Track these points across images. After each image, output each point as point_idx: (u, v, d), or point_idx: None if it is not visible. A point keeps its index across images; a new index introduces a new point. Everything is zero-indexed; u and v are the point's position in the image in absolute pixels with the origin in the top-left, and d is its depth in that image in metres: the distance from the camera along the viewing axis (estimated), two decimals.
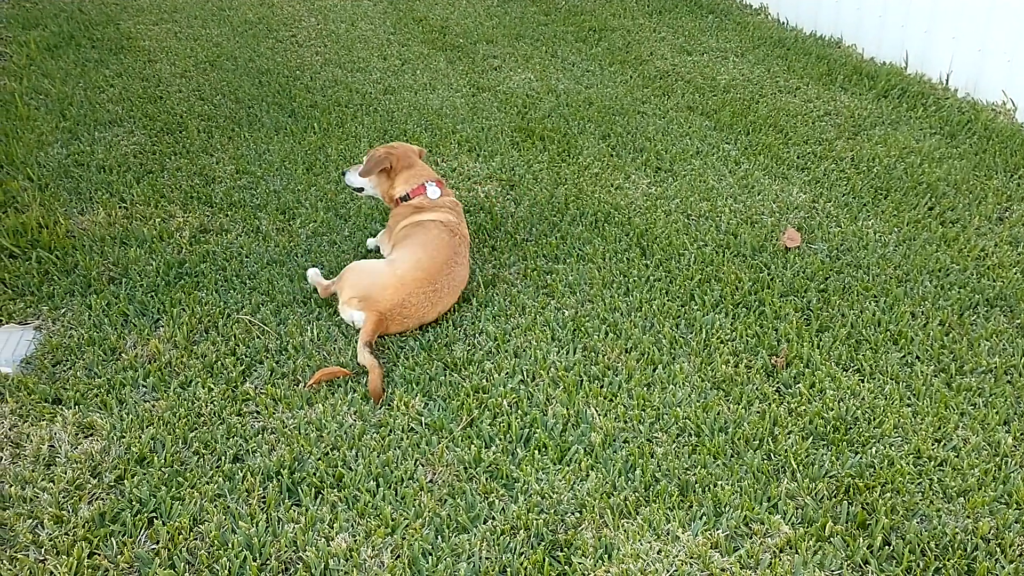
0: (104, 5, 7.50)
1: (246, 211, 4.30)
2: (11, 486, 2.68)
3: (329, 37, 6.81)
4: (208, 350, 3.32)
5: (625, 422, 2.95)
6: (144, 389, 3.11)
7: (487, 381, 3.14)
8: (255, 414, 3.00)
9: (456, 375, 3.18)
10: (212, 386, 3.11)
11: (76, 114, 5.29)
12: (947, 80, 5.73)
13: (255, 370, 3.23)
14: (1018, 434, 2.89)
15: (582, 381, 3.14)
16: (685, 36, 6.77)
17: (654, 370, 3.20)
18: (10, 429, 2.92)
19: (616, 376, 3.17)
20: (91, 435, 2.91)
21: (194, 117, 5.32)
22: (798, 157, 4.78)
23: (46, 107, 5.37)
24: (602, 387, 3.11)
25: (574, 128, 5.19)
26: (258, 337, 3.40)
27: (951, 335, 3.37)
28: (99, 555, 2.46)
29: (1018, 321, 3.45)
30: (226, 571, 2.40)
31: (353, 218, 4.23)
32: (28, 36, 6.58)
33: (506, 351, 3.30)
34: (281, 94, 5.67)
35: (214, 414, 2.99)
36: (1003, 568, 2.39)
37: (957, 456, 2.79)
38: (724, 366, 3.20)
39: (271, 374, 3.20)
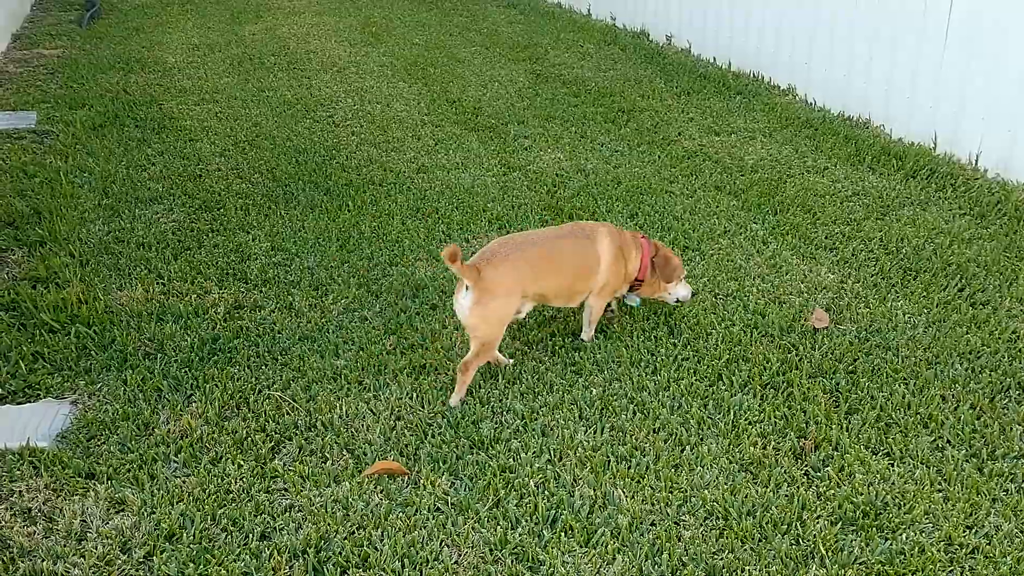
0: (148, 86, 7.76)
1: (280, 287, 4.38)
2: (43, 560, 2.71)
3: (365, 117, 6.99)
4: (239, 426, 3.36)
5: (652, 504, 2.94)
6: (175, 465, 3.15)
7: (514, 460, 3.15)
8: (283, 491, 3.03)
9: (483, 454, 3.19)
10: (242, 462, 3.14)
11: (118, 192, 5.45)
12: (976, 160, 5.75)
13: (284, 447, 3.26)
14: None
15: (609, 461, 3.14)
16: (713, 117, 6.87)
17: (682, 451, 3.19)
18: (44, 503, 2.96)
19: (644, 457, 3.16)
20: (122, 510, 2.95)
21: (232, 195, 5.46)
22: (826, 237, 4.80)
23: (89, 185, 5.54)
24: (629, 468, 3.11)
25: (602, 207, 5.26)
26: (288, 413, 3.44)
27: (982, 419, 3.33)
28: None
29: None
30: None
31: (384, 294, 4.29)
32: (74, 116, 6.81)
33: (533, 429, 3.31)
34: (317, 172, 5.81)
35: (243, 491, 3.01)
36: None
37: (989, 543, 2.74)
38: (752, 448, 3.19)
39: (300, 451, 3.23)
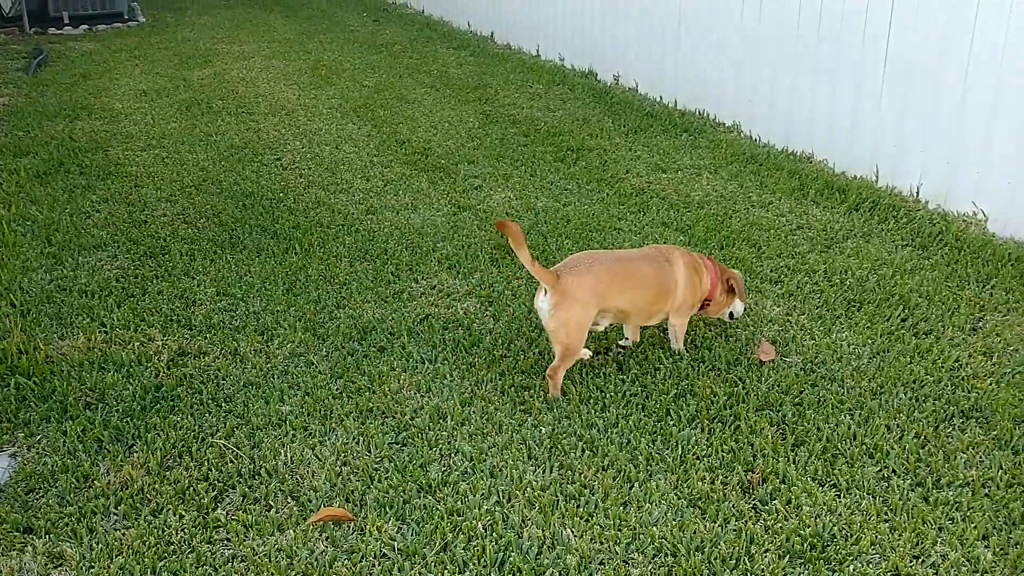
0: (94, 132, 7.68)
1: (225, 333, 4.32)
2: None
3: (313, 160, 6.97)
4: (181, 475, 3.30)
5: (601, 543, 2.92)
6: (115, 517, 3.08)
7: (462, 503, 3.12)
8: (225, 541, 2.96)
9: (431, 497, 3.15)
10: (183, 513, 3.07)
11: (61, 239, 5.36)
12: (917, 192, 5.87)
13: (227, 495, 3.20)
14: (997, 549, 2.87)
15: (558, 501, 3.11)
16: (660, 154, 6.95)
17: (631, 488, 3.18)
18: None
19: (592, 495, 3.14)
20: (60, 565, 2.87)
21: (177, 240, 5.40)
22: (771, 271, 4.85)
23: (32, 233, 5.45)
24: (578, 507, 3.09)
25: (552, 244, 5.27)
26: (231, 461, 3.38)
27: (927, 448, 3.37)
28: None
29: (994, 432, 3.45)
30: None
31: (331, 338, 4.26)
32: (19, 164, 6.72)
33: (482, 471, 3.29)
34: (264, 216, 5.77)
35: (184, 542, 2.94)
36: None
37: (936, 573, 2.76)
38: (700, 483, 3.19)
39: (243, 499, 3.17)
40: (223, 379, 3.94)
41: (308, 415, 3.66)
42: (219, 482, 3.27)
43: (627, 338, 4.18)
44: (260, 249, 5.27)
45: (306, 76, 9.92)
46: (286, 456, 3.39)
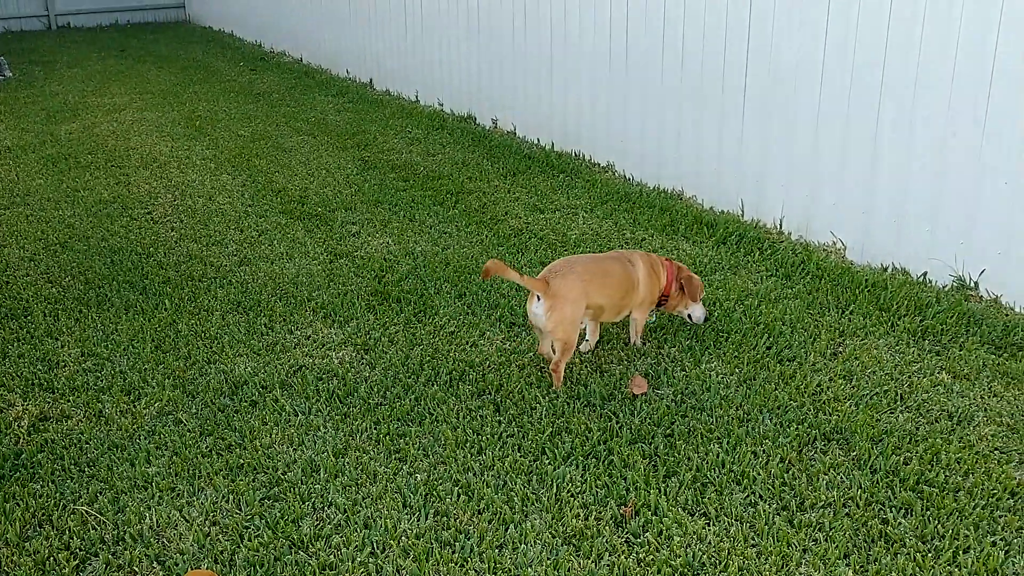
0: None
1: (89, 395, 4.17)
2: None
3: (185, 212, 6.82)
4: (41, 545, 3.16)
5: None
6: None
7: (335, 557, 3.06)
8: None
9: (303, 553, 3.09)
10: None
11: None
12: (781, 225, 6.11)
13: (90, 563, 3.09)
14: (858, 567, 2.97)
15: (433, 548, 3.09)
16: (538, 195, 7.06)
17: (506, 530, 3.18)
18: None
19: (468, 539, 3.13)
20: None
21: (40, 300, 5.19)
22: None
23: None
24: (453, 552, 3.07)
25: (431, 289, 5.28)
26: (94, 528, 3.25)
27: (791, 471, 3.47)
28: None
29: (854, 453, 3.58)
30: None
31: (201, 394, 4.15)
32: None
33: (356, 523, 3.24)
34: (133, 272, 5.60)
35: None
36: None
37: None
38: (575, 520, 3.21)
39: (106, 567, 3.05)
40: (86, 443, 3.79)
41: (175, 475, 3.55)
42: (81, 550, 3.14)
43: (587, 340, 4.49)
44: (128, 306, 5.11)
45: (180, 127, 9.74)
46: (152, 519, 3.28)
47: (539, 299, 4.04)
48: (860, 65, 5.32)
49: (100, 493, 3.45)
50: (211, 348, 4.60)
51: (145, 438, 3.81)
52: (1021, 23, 4.50)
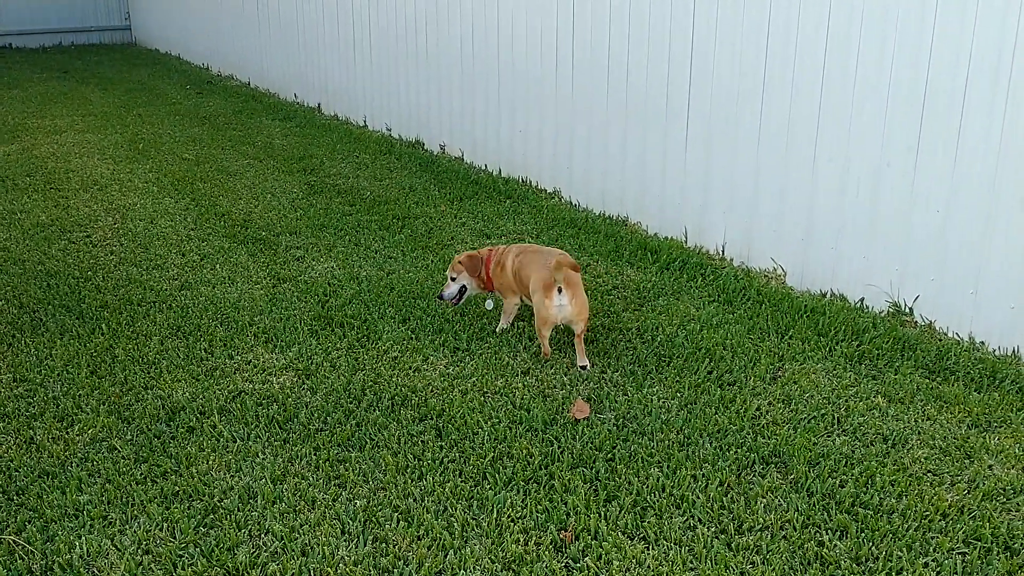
0: None
1: (20, 421, 4.07)
2: None
3: (126, 236, 6.72)
4: None
5: None
6: None
7: None
8: None
9: None
10: None
11: None
12: (723, 251, 6.19)
13: None
14: None
15: (370, 575, 3.05)
16: (484, 221, 7.07)
17: (445, 556, 3.16)
18: None
19: (406, 566, 3.10)
20: None
21: None
22: (588, 330, 4.97)
23: None
24: None
25: (375, 313, 5.25)
26: (21, 558, 3.16)
27: (730, 495, 3.50)
28: None
29: (791, 476, 3.62)
30: None
31: (137, 420, 4.07)
32: None
33: (293, 550, 3.19)
34: (69, 296, 5.49)
35: None
36: None
37: None
38: (514, 545, 3.19)
39: None
40: (15, 470, 3.70)
41: (108, 503, 3.47)
42: None
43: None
44: (64, 331, 5.01)
45: (122, 150, 9.61)
46: (82, 548, 3.19)
47: (560, 291, 4.37)
48: (798, 96, 5.43)
49: (29, 522, 3.36)
50: (148, 373, 4.52)
51: (77, 465, 3.72)
52: (952, 55, 4.63)
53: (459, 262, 4.99)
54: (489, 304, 5.24)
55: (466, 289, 5.03)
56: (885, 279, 5.16)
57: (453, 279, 5.02)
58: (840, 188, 5.30)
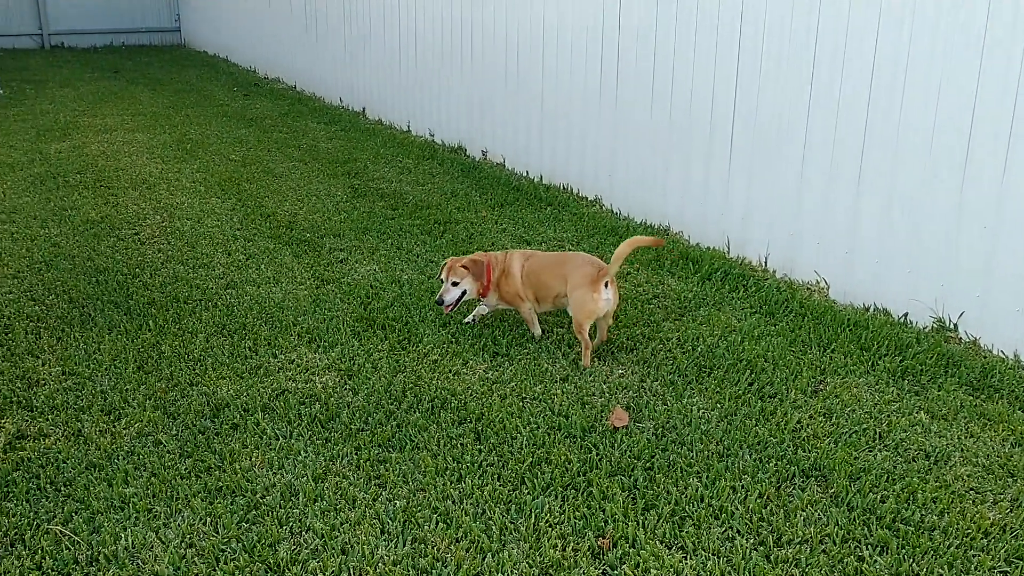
0: None
1: (68, 414, 4.15)
2: None
3: (173, 234, 6.83)
4: (12, 565, 3.14)
5: None
6: None
7: None
8: None
9: None
10: None
11: None
12: (765, 262, 6.16)
13: None
14: None
15: (410, 575, 3.08)
16: (524, 227, 7.10)
17: (484, 559, 3.18)
18: None
19: (445, 567, 3.13)
20: None
21: (22, 319, 5.18)
22: (627, 339, 4.98)
23: None
24: None
25: (416, 316, 5.29)
26: (68, 548, 3.22)
27: (769, 507, 3.48)
28: None
29: (832, 490, 3.60)
30: None
31: (183, 416, 4.14)
32: None
33: (333, 548, 3.23)
34: (118, 292, 5.60)
35: None
36: None
37: None
38: (552, 550, 3.21)
39: None
40: (63, 462, 3.77)
41: (153, 496, 3.53)
42: (54, 571, 3.12)
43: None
44: (112, 326, 5.10)
45: (170, 150, 9.77)
46: (127, 540, 3.26)
47: (607, 285, 4.59)
48: (845, 108, 5.40)
49: (75, 513, 3.43)
50: (194, 370, 4.60)
51: (124, 458, 3.79)
52: (1001, 72, 4.58)
53: (463, 266, 4.92)
54: (483, 310, 5.22)
55: (466, 293, 4.96)
56: (929, 294, 5.11)
57: (455, 283, 4.92)
58: (885, 203, 5.26)
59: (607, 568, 3.13)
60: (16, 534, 3.31)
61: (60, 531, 3.32)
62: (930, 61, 4.91)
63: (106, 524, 3.35)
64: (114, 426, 4.06)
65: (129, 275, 5.92)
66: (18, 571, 3.10)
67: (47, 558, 3.17)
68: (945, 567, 3.14)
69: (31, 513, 3.42)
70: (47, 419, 4.11)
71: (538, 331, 5.05)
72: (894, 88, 5.10)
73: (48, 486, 3.60)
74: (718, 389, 4.42)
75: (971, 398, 4.34)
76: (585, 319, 4.66)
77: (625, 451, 3.86)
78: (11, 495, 3.54)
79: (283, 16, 14.48)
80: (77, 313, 5.28)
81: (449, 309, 4.98)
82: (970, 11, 4.70)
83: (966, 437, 4.01)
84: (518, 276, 4.93)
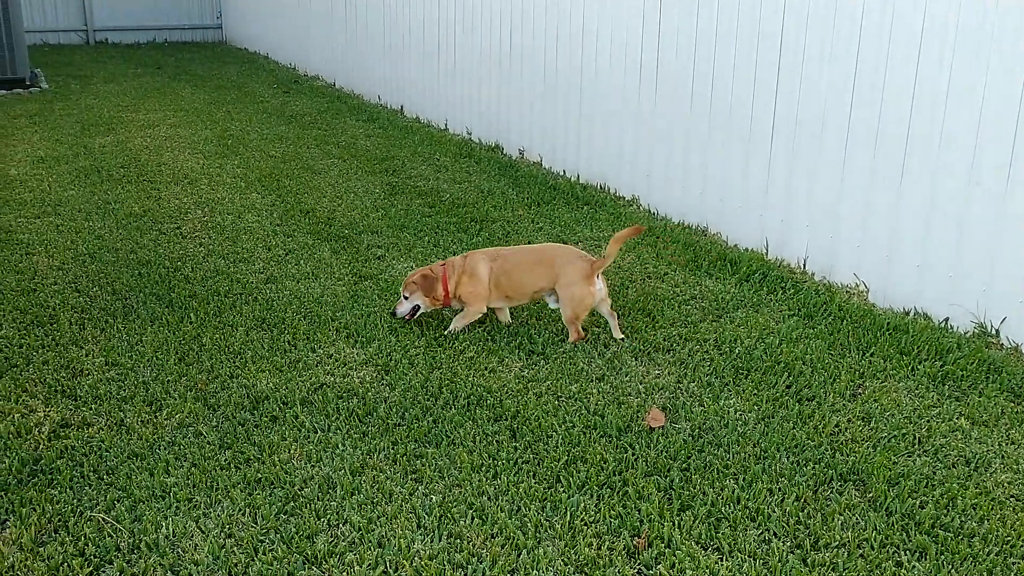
0: None
1: (111, 404, 4.22)
2: None
3: (214, 229, 6.91)
4: (55, 551, 3.19)
5: None
6: None
7: (348, 574, 3.08)
8: None
9: (316, 569, 3.11)
10: None
11: None
12: (804, 264, 6.12)
13: (104, 571, 3.12)
14: None
15: (445, 570, 3.10)
16: (561, 226, 7.10)
17: (519, 555, 3.19)
18: None
19: (480, 563, 3.14)
20: None
21: (67, 309, 5.27)
22: (664, 339, 4.97)
23: None
24: (465, 575, 3.07)
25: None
26: (110, 535, 3.28)
27: (807, 511, 3.46)
28: None
29: (870, 495, 3.57)
30: None
31: (223, 408, 4.19)
32: None
33: (370, 541, 3.26)
34: (160, 285, 5.68)
35: None
36: None
37: None
38: (587, 549, 3.21)
39: (120, 574, 3.07)
40: (106, 451, 3.84)
41: (193, 487, 3.58)
42: (96, 557, 3.17)
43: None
44: (154, 318, 5.18)
45: (211, 145, 9.88)
46: (168, 529, 3.31)
47: (598, 277, 4.83)
48: (887, 112, 5.35)
49: (117, 501, 3.49)
50: (234, 363, 4.65)
51: (165, 448, 3.85)
52: None
53: (412, 281, 5.02)
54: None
55: (419, 308, 5.08)
56: (971, 299, 5.05)
57: (406, 297, 5.06)
58: (927, 206, 5.20)
59: (642, 568, 3.13)
60: (60, 520, 3.37)
61: (103, 519, 3.38)
62: (974, 65, 4.84)
63: (147, 513, 3.41)
64: (156, 416, 4.12)
65: (171, 268, 6.00)
66: (61, 557, 3.16)
67: (90, 544, 3.23)
68: (985, 574, 3.11)
69: (74, 500, 3.49)
70: (90, 408, 4.19)
71: (459, 327, 5.08)
72: (937, 90, 5.04)
73: (91, 474, 3.66)
74: (755, 391, 4.40)
75: (1012, 404, 4.28)
76: (582, 313, 4.90)
77: (661, 451, 3.86)
78: (55, 482, 3.60)
79: (323, 14, 14.59)
80: (120, 305, 5.37)
81: (408, 319, 5.12)
82: (1019, 11, 4.63)
83: (1007, 444, 3.96)
84: (485, 278, 4.97)
